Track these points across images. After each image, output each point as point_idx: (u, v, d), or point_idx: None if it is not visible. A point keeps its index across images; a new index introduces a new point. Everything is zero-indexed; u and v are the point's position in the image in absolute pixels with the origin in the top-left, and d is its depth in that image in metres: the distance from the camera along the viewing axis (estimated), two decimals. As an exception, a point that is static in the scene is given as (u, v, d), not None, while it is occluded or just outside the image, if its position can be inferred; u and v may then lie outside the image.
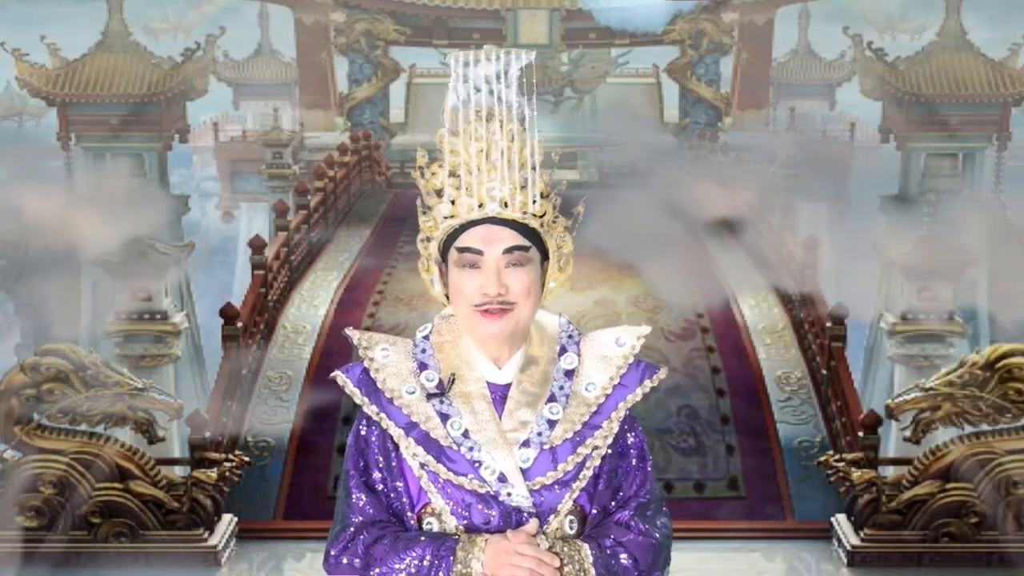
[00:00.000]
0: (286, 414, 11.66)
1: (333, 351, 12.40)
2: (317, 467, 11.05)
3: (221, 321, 11.29)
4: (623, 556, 2.53)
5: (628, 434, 2.66)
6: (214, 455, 9.34)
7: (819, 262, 12.97)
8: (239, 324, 11.36)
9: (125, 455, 8.93)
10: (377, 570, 2.50)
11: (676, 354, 12.19)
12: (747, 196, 16.37)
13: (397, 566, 2.48)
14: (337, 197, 17.03)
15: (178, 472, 9.38)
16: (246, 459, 9.56)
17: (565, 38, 21.95)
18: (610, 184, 20.28)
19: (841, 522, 9.26)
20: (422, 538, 2.50)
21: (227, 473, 9.17)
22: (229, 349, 11.24)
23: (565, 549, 2.49)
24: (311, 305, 13.64)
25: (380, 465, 2.59)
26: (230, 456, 9.41)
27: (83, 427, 8.90)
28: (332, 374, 2.68)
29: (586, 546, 2.51)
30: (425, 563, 2.46)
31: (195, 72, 15.72)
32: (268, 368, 12.27)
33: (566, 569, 2.47)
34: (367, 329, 3.35)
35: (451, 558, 2.44)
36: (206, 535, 9.08)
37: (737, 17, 22.22)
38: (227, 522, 9.33)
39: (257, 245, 12.72)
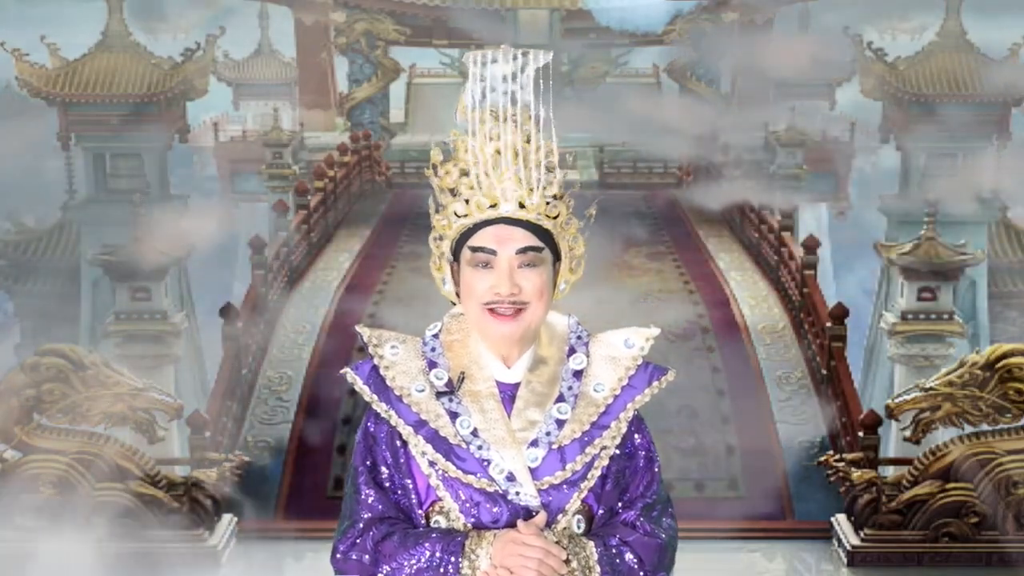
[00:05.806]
0: (286, 414, 11.66)
1: (333, 351, 12.41)
2: (317, 467, 11.04)
3: (221, 321, 11.30)
4: (628, 555, 2.54)
5: (636, 435, 2.66)
6: (214, 455, 9.34)
7: (819, 262, 12.98)
8: (239, 324, 11.36)
9: (125, 455, 8.93)
10: (387, 567, 2.51)
11: (676, 354, 12.18)
12: (747, 196, 16.37)
13: (407, 562, 2.49)
14: (337, 197, 17.02)
15: (178, 472, 9.39)
16: (246, 459, 9.57)
17: (565, 38, 21.90)
18: (610, 184, 20.31)
19: (841, 522, 9.25)
20: (432, 534, 2.51)
21: (227, 473, 9.17)
22: (229, 349, 11.25)
23: (571, 546, 2.49)
24: (311, 305, 13.63)
25: (388, 462, 2.59)
26: (230, 456, 9.42)
27: (83, 427, 8.90)
28: (342, 371, 2.68)
29: (591, 543, 2.52)
30: (436, 559, 2.47)
31: (195, 72, 15.72)
32: (268, 368, 12.27)
33: (571, 564, 2.48)
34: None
35: (460, 553, 2.45)
36: (206, 535, 9.09)
37: (737, 17, 22.18)
38: (227, 522, 9.33)
39: (257, 245, 12.72)
